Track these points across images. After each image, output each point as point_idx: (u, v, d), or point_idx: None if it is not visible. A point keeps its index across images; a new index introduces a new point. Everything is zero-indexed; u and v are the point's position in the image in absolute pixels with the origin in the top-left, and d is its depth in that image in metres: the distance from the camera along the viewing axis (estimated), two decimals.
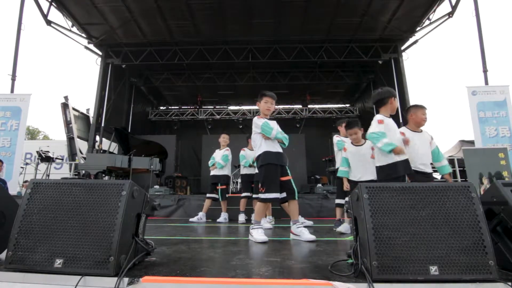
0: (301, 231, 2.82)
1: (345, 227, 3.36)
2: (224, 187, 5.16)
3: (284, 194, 2.94)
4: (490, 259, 1.35)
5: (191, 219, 5.08)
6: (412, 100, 8.91)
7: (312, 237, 2.73)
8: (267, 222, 4.13)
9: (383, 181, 2.81)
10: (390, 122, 2.74)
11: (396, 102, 2.77)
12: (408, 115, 3.07)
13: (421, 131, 3.04)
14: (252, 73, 10.95)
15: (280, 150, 3.01)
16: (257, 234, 2.72)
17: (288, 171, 3.02)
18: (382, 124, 2.65)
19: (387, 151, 2.55)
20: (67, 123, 9.35)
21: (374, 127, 2.67)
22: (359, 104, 12.76)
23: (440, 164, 2.99)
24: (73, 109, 9.60)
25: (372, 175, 3.24)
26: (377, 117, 2.71)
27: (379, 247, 1.39)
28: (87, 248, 1.47)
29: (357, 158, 3.39)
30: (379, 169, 2.71)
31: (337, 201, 3.78)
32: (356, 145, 3.45)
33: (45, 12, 7.73)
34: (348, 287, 1.32)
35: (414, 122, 3.01)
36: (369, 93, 11.18)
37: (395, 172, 2.56)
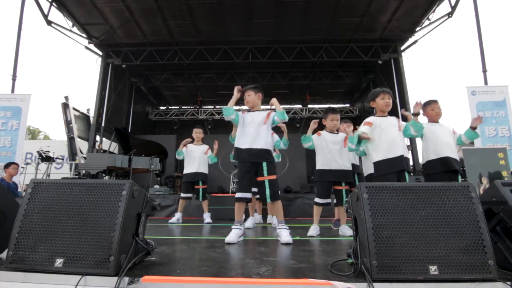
0: (280, 232, 2.68)
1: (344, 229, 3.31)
2: (205, 186, 4.82)
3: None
4: (489, 258, 1.35)
5: (170, 221, 4.76)
6: (412, 100, 8.87)
7: (287, 240, 2.56)
8: (251, 223, 4.07)
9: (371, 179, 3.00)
10: (382, 120, 2.87)
11: (381, 101, 2.91)
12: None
13: (441, 123, 3.24)
14: (252, 73, 10.95)
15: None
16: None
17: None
18: (368, 125, 2.84)
19: (353, 143, 2.89)
20: (68, 123, 9.34)
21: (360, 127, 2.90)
22: (359, 104, 12.76)
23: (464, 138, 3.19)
24: (74, 109, 9.60)
25: (344, 166, 3.31)
26: (366, 119, 2.91)
27: (378, 247, 1.39)
28: (87, 248, 1.47)
29: (333, 146, 3.33)
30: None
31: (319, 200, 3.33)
32: (332, 133, 3.43)
33: (46, 12, 7.73)
34: (348, 286, 1.32)
35: (427, 117, 3.26)
36: (369, 93, 11.15)
37: (376, 171, 2.79)
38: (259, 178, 2.82)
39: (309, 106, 13.13)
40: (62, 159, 9.56)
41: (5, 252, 1.55)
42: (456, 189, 1.52)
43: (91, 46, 9.19)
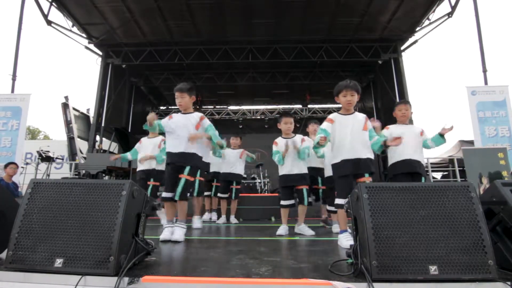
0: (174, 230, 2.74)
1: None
2: (158, 183, 4.20)
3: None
4: (489, 258, 1.35)
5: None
6: (412, 100, 8.90)
7: (180, 238, 2.66)
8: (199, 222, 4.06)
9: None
10: (342, 119, 2.65)
11: (343, 98, 2.60)
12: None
13: (410, 124, 3.25)
14: (252, 73, 10.95)
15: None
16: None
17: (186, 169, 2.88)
18: (329, 122, 2.65)
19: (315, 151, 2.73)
20: (67, 123, 9.34)
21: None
22: (359, 104, 12.74)
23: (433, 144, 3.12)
24: (73, 109, 9.60)
25: (302, 170, 3.34)
26: (329, 115, 2.73)
27: (378, 247, 1.39)
28: (87, 248, 1.47)
29: (290, 151, 3.35)
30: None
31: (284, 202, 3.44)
32: (286, 138, 3.46)
33: (46, 12, 7.73)
34: (348, 287, 1.32)
35: (396, 118, 3.25)
36: (369, 93, 11.18)
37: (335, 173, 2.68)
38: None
39: (309, 106, 13.13)
40: (62, 159, 9.56)
41: (5, 252, 1.55)
42: (456, 189, 1.52)
43: (91, 46, 9.19)
